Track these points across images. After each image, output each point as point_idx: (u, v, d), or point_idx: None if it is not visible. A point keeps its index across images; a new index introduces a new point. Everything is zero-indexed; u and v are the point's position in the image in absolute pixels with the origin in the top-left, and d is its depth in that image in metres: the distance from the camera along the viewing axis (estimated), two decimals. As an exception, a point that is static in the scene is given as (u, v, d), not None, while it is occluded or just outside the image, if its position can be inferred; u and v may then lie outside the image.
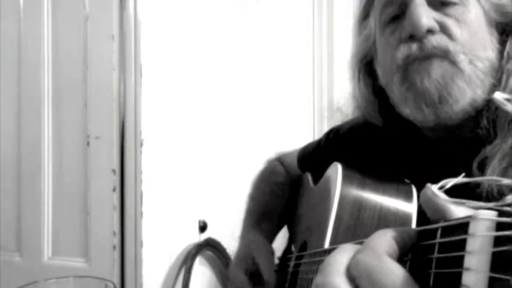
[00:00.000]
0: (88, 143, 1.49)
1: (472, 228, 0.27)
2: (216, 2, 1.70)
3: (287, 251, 0.99)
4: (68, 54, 1.55)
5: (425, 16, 0.61)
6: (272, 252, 0.94)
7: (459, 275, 0.27)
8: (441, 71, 0.61)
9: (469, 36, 0.61)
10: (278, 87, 1.95)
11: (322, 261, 0.58)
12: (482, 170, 0.59)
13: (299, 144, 1.03)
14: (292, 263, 0.88)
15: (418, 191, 0.65)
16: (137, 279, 1.43)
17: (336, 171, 0.70)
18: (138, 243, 1.43)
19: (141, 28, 1.45)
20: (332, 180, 0.70)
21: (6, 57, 1.66)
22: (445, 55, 0.61)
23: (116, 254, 1.43)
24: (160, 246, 1.49)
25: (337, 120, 0.88)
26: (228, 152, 1.72)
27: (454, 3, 0.62)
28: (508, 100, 0.59)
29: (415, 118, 0.65)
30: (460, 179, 0.32)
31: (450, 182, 0.32)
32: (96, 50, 1.48)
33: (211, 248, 1.64)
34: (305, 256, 0.75)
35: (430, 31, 0.61)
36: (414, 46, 0.62)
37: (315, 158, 0.93)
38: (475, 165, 0.59)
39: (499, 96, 0.58)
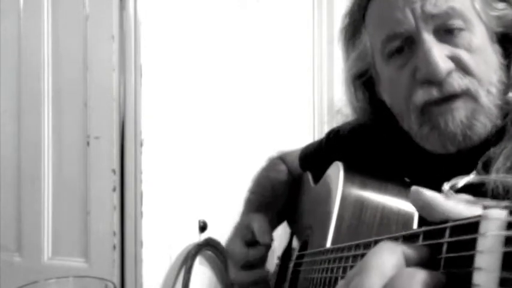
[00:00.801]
0: (88, 143, 1.49)
1: (483, 228, 0.27)
2: (216, 2, 1.70)
3: (287, 249, 0.99)
4: (68, 54, 1.55)
5: (441, 59, 0.59)
6: (271, 231, 0.93)
7: (470, 275, 0.27)
8: (465, 111, 0.60)
9: (482, 64, 0.60)
10: (278, 88, 1.95)
11: (325, 260, 0.58)
12: (486, 170, 0.58)
13: (299, 144, 1.03)
14: (293, 262, 0.88)
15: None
16: (137, 279, 1.43)
17: (338, 170, 0.70)
18: (138, 243, 1.43)
19: (141, 28, 1.45)
20: (333, 180, 0.70)
21: (6, 57, 1.66)
22: (466, 93, 0.60)
23: (116, 254, 1.43)
24: (160, 246, 1.49)
25: (337, 122, 0.88)
26: (228, 152, 1.72)
27: (460, 29, 0.60)
28: None
29: (436, 151, 0.65)
30: (472, 177, 0.32)
31: (461, 181, 0.32)
32: (96, 50, 1.48)
33: (211, 248, 1.64)
34: (306, 255, 0.75)
35: (449, 73, 0.60)
36: (434, 90, 0.60)
37: (316, 157, 0.93)
38: (479, 165, 0.59)
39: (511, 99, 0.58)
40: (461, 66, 0.60)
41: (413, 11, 0.60)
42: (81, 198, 1.50)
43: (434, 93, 0.60)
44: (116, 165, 1.44)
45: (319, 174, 0.83)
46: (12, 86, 1.65)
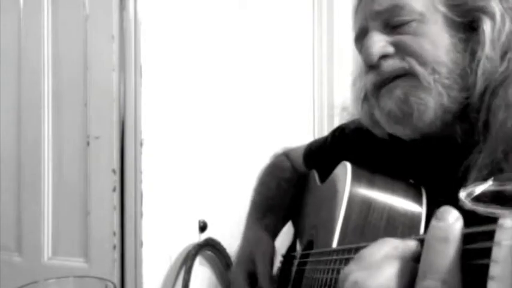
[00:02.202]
0: (88, 143, 1.49)
1: (497, 237, 0.27)
2: (216, 2, 1.70)
3: (292, 248, 0.99)
4: (68, 54, 1.55)
5: (375, 44, 0.65)
6: (274, 253, 0.94)
7: (484, 284, 0.27)
8: (402, 89, 0.63)
9: (427, 45, 0.63)
10: (278, 88, 1.95)
11: (330, 261, 0.58)
12: (465, 179, 0.58)
13: (299, 143, 1.03)
14: (297, 261, 0.88)
15: (430, 193, 0.65)
16: (137, 279, 1.43)
17: (345, 170, 0.70)
18: (138, 243, 1.43)
19: (141, 28, 1.45)
20: (341, 179, 0.70)
21: (6, 57, 1.66)
22: (404, 73, 0.63)
23: (116, 254, 1.43)
24: (160, 246, 1.49)
25: (342, 119, 0.88)
26: (228, 152, 1.72)
27: (408, 21, 0.64)
28: None
29: (397, 135, 0.68)
30: (489, 183, 0.32)
31: (478, 189, 0.32)
32: (96, 50, 1.48)
33: (211, 248, 1.64)
34: (311, 255, 0.75)
35: (384, 56, 0.65)
36: (374, 74, 0.66)
37: (321, 155, 0.93)
38: (459, 174, 0.59)
39: None
40: (401, 49, 0.64)
41: (365, 11, 0.68)
42: (81, 199, 1.50)
43: (375, 77, 0.66)
44: (116, 165, 1.44)
45: (323, 171, 0.83)
46: (12, 86, 1.65)
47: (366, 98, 0.73)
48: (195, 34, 1.61)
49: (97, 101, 1.48)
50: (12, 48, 1.65)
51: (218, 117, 1.69)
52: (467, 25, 0.63)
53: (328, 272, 0.58)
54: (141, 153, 1.44)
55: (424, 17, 0.63)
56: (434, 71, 0.62)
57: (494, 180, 0.32)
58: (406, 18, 0.64)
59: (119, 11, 1.45)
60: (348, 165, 0.71)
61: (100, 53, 1.47)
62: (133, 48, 1.45)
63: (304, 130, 2.08)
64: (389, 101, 0.64)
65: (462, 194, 0.32)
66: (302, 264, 0.81)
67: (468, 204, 0.30)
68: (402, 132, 0.66)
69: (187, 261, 1.54)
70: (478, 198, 0.32)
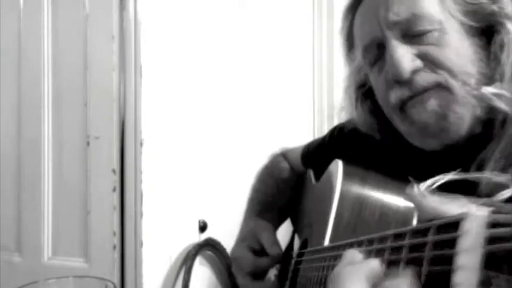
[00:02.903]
0: (88, 143, 1.49)
1: (464, 226, 0.27)
2: (216, 2, 1.70)
3: (289, 247, 0.99)
4: (68, 54, 1.55)
5: (406, 59, 0.61)
6: (274, 229, 0.94)
7: (451, 273, 0.27)
8: (437, 101, 0.61)
9: (454, 57, 0.61)
10: (278, 88, 1.95)
11: (322, 258, 0.58)
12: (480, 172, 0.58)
13: (299, 143, 1.03)
14: (293, 260, 0.88)
15: None
16: (137, 279, 1.43)
17: (337, 168, 0.70)
18: (138, 243, 1.43)
19: (141, 28, 1.45)
20: (333, 177, 0.70)
21: (6, 57, 1.66)
22: (438, 86, 0.61)
23: (116, 254, 1.43)
24: (160, 246, 1.49)
25: (340, 119, 0.88)
26: (228, 152, 1.72)
27: (428, 31, 0.61)
28: (495, 95, 0.59)
29: (424, 148, 0.66)
30: (450, 176, 0.32)
31: (440, 180, 0.32)
32: (96, 50, 1.48)
33: (211, 248, 1.64)
34: (306, 253, 0.75)
35: (415, 71, 0.62)
36: (405, 89, 0.63)
37: (318, 154, 0.93)
38: (473, 168, 0.59)
39: (486, 91, 0.59)
40: (430, 62, 0.61)
41: (379, 21, 0.64)
42: (81, 198, 1.50)
43: (405, 92, 0.63)
44: (116, 165, 1.44)
45: (321, 171, 0.83)
46: (12, 86, 1.65)
47: (360, 101, 0.73)
48: (195, 34, 1.61)
49: (97, 101, 1.48)
50: (12, 48, 1.65)
51: (218, 117, 1.69)
52: (484, 30, 0.62)
53: (320, 270, 0.58)
54: (141, 153, 1.44)
55: (443, 26, 0.61)
56: (465, 84, 0.60)
57: None
58: (427, 27, 0.61)
59: (119, 11, 1.45)
60: (340, 163, 0.71)
61: (100, 53, 1.47)
62: (133, 48, 1.45)
63: (304, 130, 2.08)
64: (424, 114, 0.62)
65: (421, 186, 0.32)
66: (297, 263, 0.82)
67: (426, 196, 0.31)
68: (431, 145, 0.64)
69: (187, 261, 1.54)
70: (439, 188, 0.32)
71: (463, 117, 0.60)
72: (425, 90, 0.62)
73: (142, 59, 1.44)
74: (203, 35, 1.64)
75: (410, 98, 0.63)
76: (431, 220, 0.31)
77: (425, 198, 0.32)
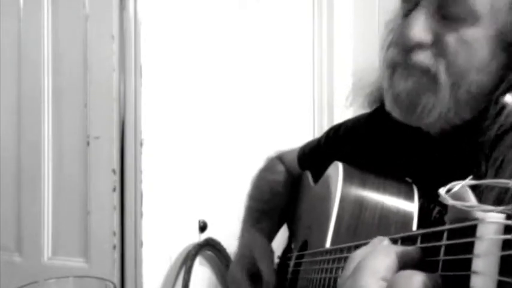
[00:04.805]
0: (88, 143, 1.49)
1: (479, 231, 0.27)
2: (216, 2, 1.70)
3: (287, 249, 0.99)
4: (68, 54, 1.55)
5: (418, 29, 0.59)
6: (272, 252, 0.94)
7: (467, 278, 0.27)
8: (416, 84, 0.60)
9: (464, 56, 0.58)
10: (278, 87, 1.95)
11: (324, 261, 0.58)
12: (497, 174, 0.55)
13: (299, 143, 1.03)
14: (292, 262, 0.88)
15: (421, 190, 0.65)
16: (137, 279, 1.43)
17: (337, 170, 0.70)
18: (138, 243, 1.43)
19: (141, 28, 1.45)
20: (333, 180, 0.70)
21: (6, 57, 1.66)
22: (427, 73, 0.60)
23: (116, 254, 1.43)
24: (160, 246, 1.49)
25: (357, 95, 0.87)
26: (228, 152, 1.72)
27: (462, 19, 0.57)
28: None
29: (395, 116, 0.66)
30: (468, 181, 0.32)
31: (457, 185, 0.32)
32: (96, 50, 1.48)
33: (211, 248, 1.64)
34: (306, 255, 0.75)
35: (419, 45, 0.60)
36: (399, 55, 0.62)
37: (315, 156, 0.93)
38: (491, 170, 0.56)
39: (509, 99, 0.56)
40: (439, 45, 0.59)
41: None
42: (81, 198, 1.50)
43: (399, 57, 0.62)
44: (116, 165, 1.44)
45: (318, 172, 0.83)
46: (12, 86, 1.65)
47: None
48: (195, 34, 1.61)
49: (97, 101, 1.48)
50: (12, 48, 1.65)
51: (218, 117, 1.69)
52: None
53: (322, 272, 0.58)
54: (141, 153, 1.44)
55: (477, 21, 0.57)
56: (455, 85, 0.58)
57: None
58: (461, 14, 0.57)
59: (119, 11, 1.45)
60: (340, 165, 0.71)
61: (100, 53, 1.47)
62: (133, 48, 1.45)
63: (304, 130, 2.08)
64: (402, 85, 0.61)
65: (442, 190, 0.32)
66: (297, 265, 0.82)
67: (448, 200, 0.30)
68: (399, 117, 0.64)
69: (187, 261, 1.54)
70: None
71: (432, 110, 0.60)
72: (414, 67, 0.61)
73: (142, 59, 1.44)
74: (203, 35, 1.63)
75: (400, 64, 0.62)
76: (442, 224, 0.30)
77: (445, 203, 0.31)
